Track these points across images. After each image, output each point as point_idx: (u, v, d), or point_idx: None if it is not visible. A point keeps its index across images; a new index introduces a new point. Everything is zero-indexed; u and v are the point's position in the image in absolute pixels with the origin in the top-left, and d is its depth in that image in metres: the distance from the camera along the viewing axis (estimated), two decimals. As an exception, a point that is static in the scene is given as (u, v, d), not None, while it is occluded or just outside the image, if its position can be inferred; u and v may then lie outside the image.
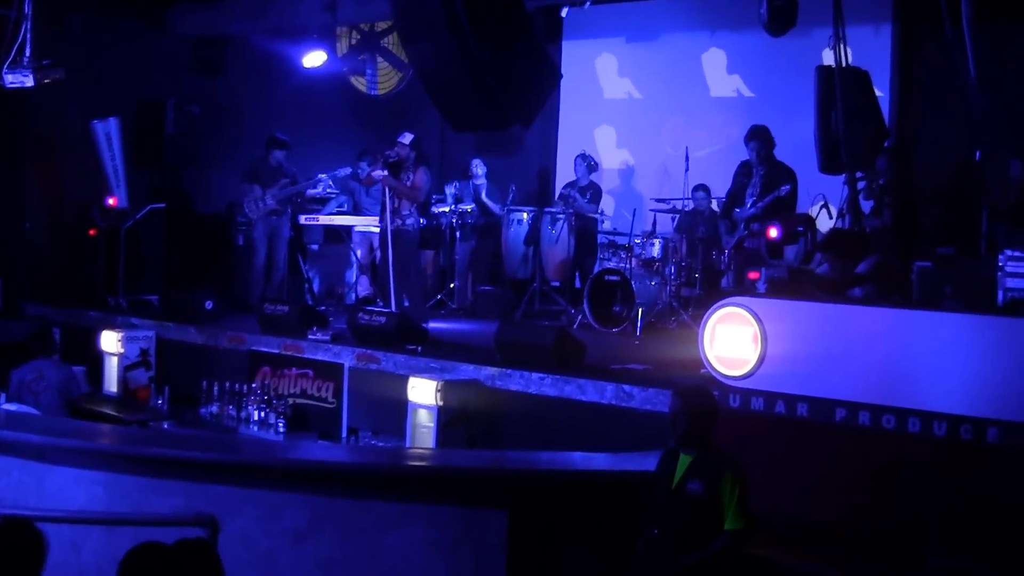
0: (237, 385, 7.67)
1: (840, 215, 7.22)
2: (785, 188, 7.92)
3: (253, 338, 8.18)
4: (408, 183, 8.69)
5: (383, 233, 8.64)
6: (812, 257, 6.78)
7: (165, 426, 7.66)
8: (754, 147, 8.22)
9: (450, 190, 10.63)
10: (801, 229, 6.41)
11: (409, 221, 8.70)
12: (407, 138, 8.78)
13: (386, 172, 8.61)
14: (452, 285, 10.44)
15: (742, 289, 6.69)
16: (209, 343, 8.46)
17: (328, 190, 10.83)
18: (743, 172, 8.41)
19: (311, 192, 10.41)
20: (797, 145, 8.79)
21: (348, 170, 10.15)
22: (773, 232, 6.78)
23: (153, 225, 10.29)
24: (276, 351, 7.89)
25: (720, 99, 10.52)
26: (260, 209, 9.84)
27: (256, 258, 9.83)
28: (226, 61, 11.25)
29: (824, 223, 7.94)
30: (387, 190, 8.64)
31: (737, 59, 10.42)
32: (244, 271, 10.05)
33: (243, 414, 7.55)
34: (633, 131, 11.16)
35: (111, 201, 10.09)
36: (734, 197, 8.45)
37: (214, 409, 7.70)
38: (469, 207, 10.50)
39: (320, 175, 10.14)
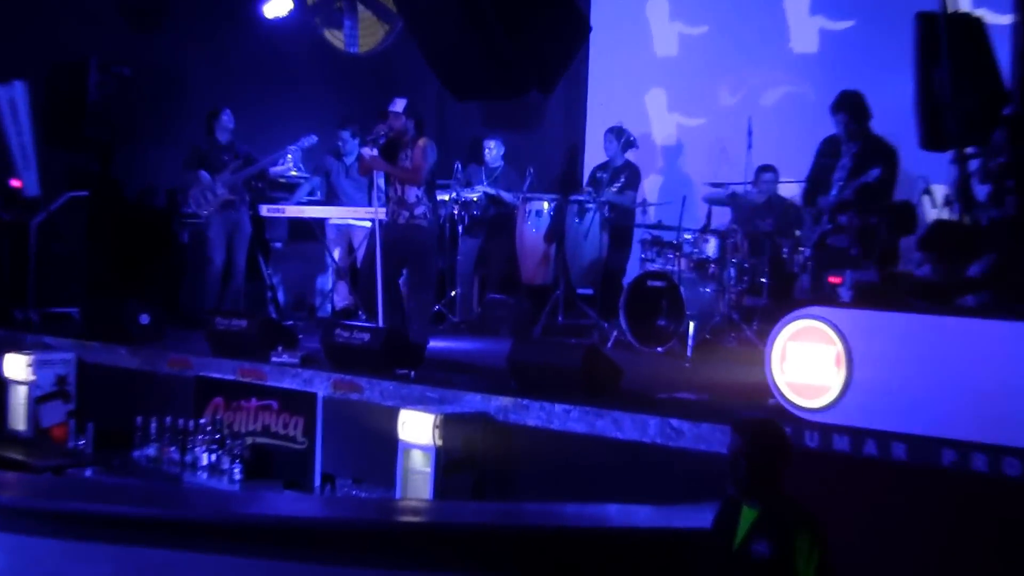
0: (181, 421, 7.72)
1: (947, 203, 7.22)
2: (874, 172, 7.87)
3: (201, 361, 8.23)
4: (407, 162, 8.68)
5: (375, 228, 8.64)
6: (895, 256, 6.77)
7: (88, 474, 7.73)
8: (843, 120, 8.16)
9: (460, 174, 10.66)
10: (875, 221, 6.40)
11: (419, 211, 8.50)
12: (399, 105, 8.71)
13: (376, 153, 8.60)
14: (453, 293, 10.48)
15: (821, 297, 6.71)
16: (145, 367, 8.52)
17: (295, 171, 10.85)
18: (829, 150, 8.36)
19: (275, 171, 10.44)
20: (895, 114, 8.73)
21: (314, 138, 10.14)
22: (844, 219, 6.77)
23: (73, 218, 10.35)
24: (231, 377, 7.95)
25: (801, 56, 10.53)
26: (211, 201, 9.90)
27: (213, 262, 9.89)
28: (165, 10, 11.30)
29: (927, 213, 7.95)
30: (379, 174, 8.65)
31: (823, 1, 10.44)
32: (193, 277, 10.11)
33: (189, 458, 7.60)
34: (683, 98, 11.22)
35: (16, 184, 10.10)
36: (816, 182, 8.41)
37: (151, 452, 7.75)
38: (475, 195, 10.53)
39: (289, 147, 10.16)
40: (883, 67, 9.40)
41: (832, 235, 8.17)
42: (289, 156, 10.40)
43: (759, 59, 10.74)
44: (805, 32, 10.59)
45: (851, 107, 8.20)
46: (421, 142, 8.65)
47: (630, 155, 10.30)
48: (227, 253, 9.93)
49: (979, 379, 5.22)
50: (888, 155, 8.12)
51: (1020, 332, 5.25)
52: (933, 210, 7.89)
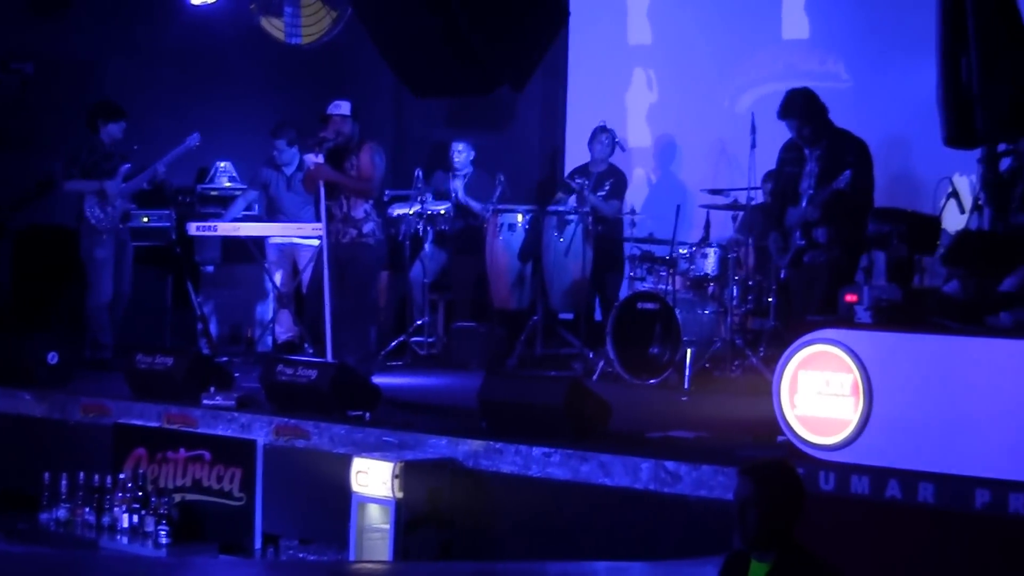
0: (97, 477, 7.74)
1: (975, 208, 7.32)
2: (844, 176, 7.97)
3: (120, 406, 8.25)
4: (353, 172, 8.77)
5: (323, 248, 8.70)
6: (914, 269, 6.83)
7: (-16, 543, 7.72)
8: (794, 125, 8.26)
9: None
10: (888, 229, 6.46)
11: (368, 228, 8.77)
12: (345, 107, 8.81)
13: (321, 159, 8.69)
14: (419, 322, 10.53)
15: (836, 318, 6.79)
16: (53, 415, 8.52)
17: (227, 180, 10.83)
18: (791, 157, 8.45)
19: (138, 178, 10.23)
20: (911, 106, 8.85)
21: (196, 138, 10.10)
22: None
23: (-35, 241, 10.38)
24: (155, 425, 7.97)
25: (797, 42, 10.68)
26: (111, 216, 9.92)
27: (103, 292, 9.88)
28: (74, -5, 11.29)
29: (953, 220, 8.03)
30: (322, 187, 8.69)
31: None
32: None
33: (106, 519, 7.62)
34: (676, 91, 11.29)
35: None
36: (783, 194, 8.51)
37: (62, 514, 7.75)
38: (443, 208, 10.60)
39: (159, 163, 9.99)
40: (895, 53, 9.54)
41: (808, 252, 8.27)
42: (158, 173, 10.15)
43: (758, 46, 10.83)
44: (803, 16, 10.71)
45: (799, 110, 8.25)
46: (367, 147, 8.76)
47: (614, 159, 10.40)
48: (116, 274, 9.94)
49: (1016, 408, 5.30)
50: (858, 151, 8.20)
51: (1062, 354, 5.35)
52: (961, 216, 7.97)
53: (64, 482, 7.77)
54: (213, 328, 10.71)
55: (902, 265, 6.42)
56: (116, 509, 7.58)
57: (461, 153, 10.93)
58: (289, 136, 10.50)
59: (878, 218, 6.73)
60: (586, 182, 10.08)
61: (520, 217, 10.09)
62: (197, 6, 11.13)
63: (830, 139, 8.28)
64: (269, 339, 10.68)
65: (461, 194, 10.72)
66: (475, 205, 10.61)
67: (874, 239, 6.69)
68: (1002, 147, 7.24)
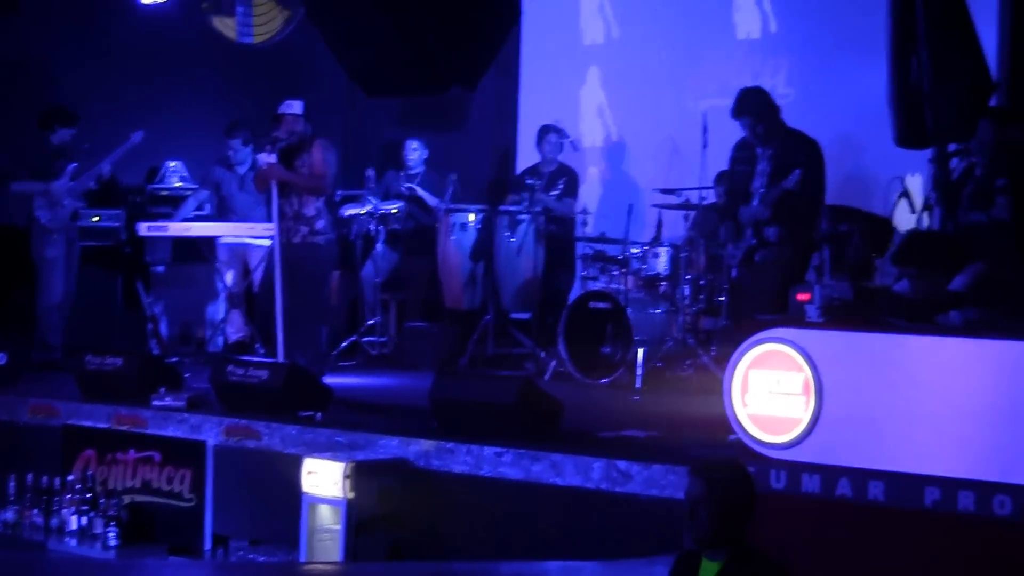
0: (45, 478, 7.67)
1: (926, 208, 7.36)
2: (794, 175, 8.03)
3: (69, 407, 8.21)
4: (305, 169, 8.76)
5: (274, 248, 8.67)
6: (870, 268, 6.89)
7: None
8: (747, 124, 8.33)
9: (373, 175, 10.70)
10: (844, 228, 6.52)
11: (320, 225, 8.78)
12: (297, 107, 8.83)
13: (274, 159, 8.68)
14: (370, 322, 10.50)
15: (788, 317, 6.81)
16: (1, 417, 8.46)
17: (178, 180, 10.78)
18: (743, 156, 8.52)
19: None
20: (863, 106, 8.89)
21: (139, 135, 10.08)
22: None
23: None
24: (104, 426, 7.92)
25: (751, 42, 10.72)
26: (60, 216, 9.94)
27: (55, 290, 9.88)
28: (24, -9, 11.23)
29: (904, 220, 8.08)
30: (275, 186, 8.69)
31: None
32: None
33: (54, 521, 7.55)
34: (628, 91, 11.32)
35: None
36: (735, 193, 8.57)
37: (9, 516, 7.71)
38: (395, 207, 10.58)
39: (105, 160, 10.02)
40: (849, 53, 9.60)
41: (759, 251, 8.31)
42: (105, 170, 10.13)
43: (711, 46, 10.88)
44: (756, 17, 10.76)
45: (752, 108, 8.32)
46: (318, 144, 8.77)
47: (565, 158, 10.44)
48: (66, 273, 9.95)
49: (967, 406, 5.32)
50: (810, 151, 8.27)
51: (1011, 352, 5.34)
52: (911, 215, 8.03)
53: (12, 484, 7.73)
54: (163, 328, 10.74)
55: (861, 264, 6.46)
56: (65, 511, 7.53)
57: (415, 151, 10.93)
58: (244, 136, 10.49)
59: (833, 216, 6.78)
60: (538, 182, 10.10)
61: (472, 217, 10.10)
62: (147, 5, 11.10)
63: (782, 138, 8.34)
64: (220, 339, 10.63)
65: (416, 191, 10.68)
66: (429, 199, 10.58)
67: (828, 237, 6.73)
68: (952, 147, 7.31)
